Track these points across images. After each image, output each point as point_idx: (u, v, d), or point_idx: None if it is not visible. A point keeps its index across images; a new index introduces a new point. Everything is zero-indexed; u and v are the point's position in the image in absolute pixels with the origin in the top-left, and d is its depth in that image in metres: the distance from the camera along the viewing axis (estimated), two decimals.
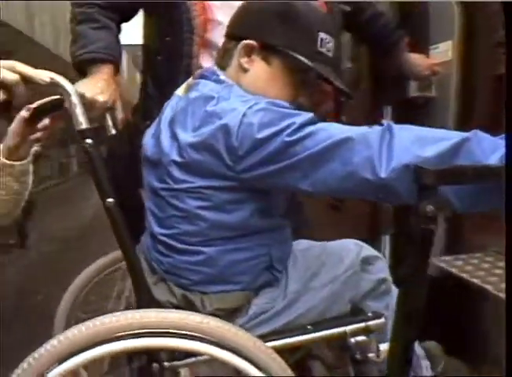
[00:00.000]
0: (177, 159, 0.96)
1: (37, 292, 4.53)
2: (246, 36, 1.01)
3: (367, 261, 1.15)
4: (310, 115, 0.91)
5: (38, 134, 1.01)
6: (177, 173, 0.96)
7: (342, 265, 1.12)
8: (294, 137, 0.87)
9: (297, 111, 0.92)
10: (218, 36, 1.27)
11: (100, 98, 1.25)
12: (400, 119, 1.70)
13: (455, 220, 1.62)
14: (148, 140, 1.11)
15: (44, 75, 0.88)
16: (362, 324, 1.05)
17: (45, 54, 6.07)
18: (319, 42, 1.00)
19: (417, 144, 0.83)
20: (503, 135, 0.83)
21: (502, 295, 1.16)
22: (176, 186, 0.97)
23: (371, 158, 0.83)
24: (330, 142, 0.85)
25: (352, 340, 1.04)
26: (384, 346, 1.05)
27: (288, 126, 0.87)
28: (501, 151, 0.80)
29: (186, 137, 0.94)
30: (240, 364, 0.90)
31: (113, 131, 1.27)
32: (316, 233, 1.53)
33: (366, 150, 0.84)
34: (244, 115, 0.88)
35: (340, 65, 1.08)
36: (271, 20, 1.00)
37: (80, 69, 1.30)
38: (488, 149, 0.81)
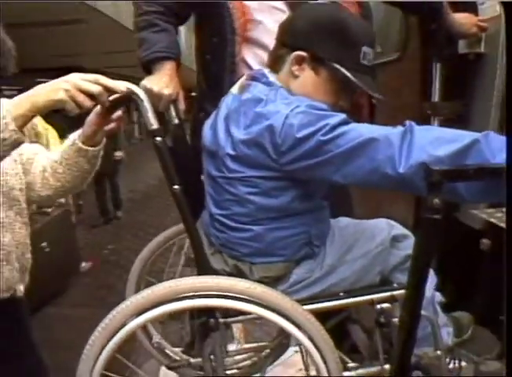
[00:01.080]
0: (231, 152, 1.13)
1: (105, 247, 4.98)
2: (298, 47, 1.14)
3: (396, 239, 1.29)
4: (343, 116, 1.06)
5: (112, 125, 1.23)
6: (230, 164, 1.14)
7: (374, 242, 1.27)
8: (328, 137, 1.02)
9: (331, 113, 1.07)
10: (259, 34, 1.45)
11: (166, 91, 1.42)
12: (450, 76, 1.80)
13: None
14: (206, 131, 1.29)
15: (121, 86, 1.08)
16: (388, 294, 1.21)
17: (107, 22, 6.36)
18: (362, 56, 1.13)
19: (433, 144, 0.96)
20: None
21: None
22: (230, 175, 1.15)
23: (392, 156, 0.98)
24: (358, 141, 1.01)
25: (379, 306, 1.21)
26: None
27: (323, 127, 1.03)
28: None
29: (239, 134, 1.12)
30: (281, 322, 1.11)
31: (176, 121, 1.46)
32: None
33: (388, 149, 0.98)
34: (287, 117, 1.04)
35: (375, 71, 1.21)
36: (322, 35, 1.13)
37: (147, 69, 1.48)
38: (496, 149, 0.93)
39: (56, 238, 3.60)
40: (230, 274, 1.21)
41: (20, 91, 1.06)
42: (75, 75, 1.04)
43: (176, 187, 1.15)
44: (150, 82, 1.43)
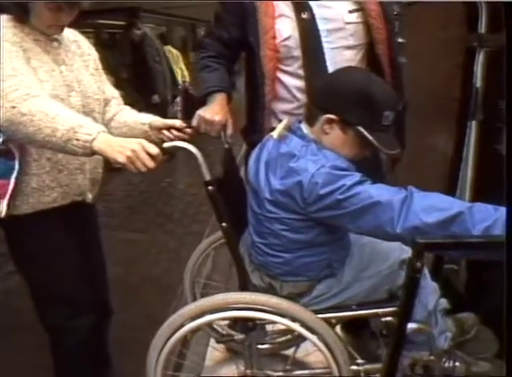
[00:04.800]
0: (269, 197, 1.40)
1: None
2: (329, 110, 1.36)
3: (405, 262, 1.52)
4: (358, 177, 1.30)
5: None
6: (268, 206, 1.41)
7: (386, 263, 1.52)
8: (345, 196, 1.28)
9: (350, 173, 1.31)
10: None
11: (216, 118, 1.69)
12: (499, 6, 1.74)
13: None
14: (251, 165, 1.52)
15: (174, 147, 1.39)
16: (392, 309, 1.48)
17: None
18: (383, 119, 1.34)
19: (426, 211, 1.19)
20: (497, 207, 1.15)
21: None
22: (267, 214, 1.43)
23: (392, 218, 1.23)
24: (367, 203, 1.26)
25: (383, 319, 1.50)
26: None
27: (341, 186, 1.27)
28: (488, 221, 1.13)
29: (275, 183, 1.38)
30: (302, 331, 1.44)
31: (226, 145, 1.74)
32: None
33: (390, 212, 1.23)
34: (313, 176, 1.29)
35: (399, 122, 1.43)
36: (349, 102, 1.33)
37: (205, 103, 1.76)
38: (477, 220, 1.15)
39: None
40: (265, 289, 1.53)
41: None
42: (143, 141, 1.31)
43: (224, 224, 1.46)
44: (203, 111, 1.71)
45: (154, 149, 1.30)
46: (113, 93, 1.76)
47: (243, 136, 1.92)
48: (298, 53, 1.68)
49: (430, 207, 1.20)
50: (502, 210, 1.14)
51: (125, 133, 1.67)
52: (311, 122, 1.42)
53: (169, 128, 1.65)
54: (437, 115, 2.10)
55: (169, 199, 4.67)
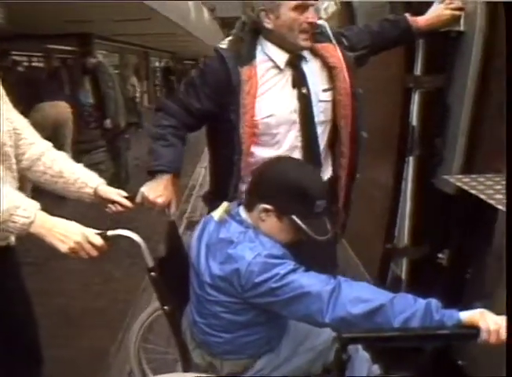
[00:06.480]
0: (209, 281, 1.42)
1: None
2: (265, 200, 1.41)
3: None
4: (292, 265, 1.33)
5: None
6: (208, 289, 1.43)
7: (320, 338, 1.57)
8: (278, 284, 1.30)
9: (284, 261, 1.34)
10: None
11: (159, 200, 1.68)
12: (432, 51, 1.96)
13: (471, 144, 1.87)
14: (193, 244, 1.53)
15: (118, 236, 1.37)
16: None
17: None
18: (316, 208, 1.39)
19: (352, 302, 1.25)
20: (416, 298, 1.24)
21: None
22: (208, 297, 1.44)
23: (321, 309, 1.27)
24: (298, 293, 1.29)
25: None
26: None
27: (275, 275, 1.30)
28: (407, 313, 1.20)
29: (215, 268, 1.40)
30: None
31: (170, 218, 1.74)
32: None
33: (319, 302, 1.27)
34: (249, 264, 1.32)
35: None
36: (284, 193, 1.39)
37: (151, 175, 1.72)
38: (397, 312, 1.21)
39: None
40: (206, 367, 1.55)
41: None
42: (88, 230, 1.30)
43: (166, 308, 1.50)
44: (147, 189, 1.70)
45: (98, 240, 1.31)
46: (23, 124, 1.57)
47: (206, 201, 1.93)
48: (276, 130, 1.72)
49: (356, 299, 1.26)
50: (421, 301, 1.23)
51: (55, 188, 1.59)
52: (249, 208, 1.46)
53: (113, 202, 1.63)
54: (378, 151, 2.20)
55: (115, 228, 4.55)
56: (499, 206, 1.46)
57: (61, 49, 9.55)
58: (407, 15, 1.88)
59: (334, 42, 1.76)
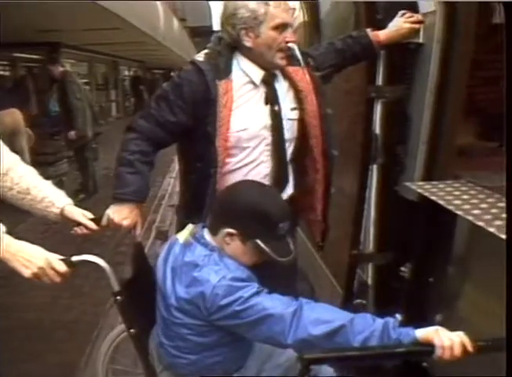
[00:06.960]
0: (175, 304, 1.43)
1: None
2: (229, 224, 1.43)
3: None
4: (255, 288, 1.35)
5: None
6: (174, 312, 1.44)
7: (284, 356, 1.59)
8: (242, 307, 1.33)
9: (248, 284, 1.36)
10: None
11: (124, 222, 1.69)
12: (393, 62, 2.02)
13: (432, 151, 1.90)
14: (159, 265, 1.52)
15: (83, 261, 1.37)
16: None
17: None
18: (279, 230, 1.43)
19: (313, 324, 1.28)
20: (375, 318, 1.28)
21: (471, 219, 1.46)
22: (174, 320, 1.46)
23: (283, 330, 1.30)
24: (261, 315, 1.31)
25: None
26: None
27: (239, 298, 1.32)
28: (366, 333, 1.23)
29: (181, 291, 1.41)
30: None
31: (136, 240, 1.75)
32: None
33: (281, 324, 1.30)
34: (214, 287, 1.34)
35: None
36: (247, 218, 1.42)
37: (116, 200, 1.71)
38: (356, 332, 1.24)
39: None
40: None
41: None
42: (53, 256, 1.30)
43: (132, 331, 1.50)
44: (113, 212, 1.70)
45: (61, 267, 1.30)
46: None
47: (180, 215, 1.93)
48: (247, 144, 1.73)
49: (317, 320, 1.29)
50: (379, 321, 1.27)
51: (22, 204, 1.57)
52: (213, 231, 1.48)
53: (79, 224, 1.62)
54: (343, 160, 2.25)
55: (83, 240, 4.53)
56: (459, 212, 1.52)
57: (27, 58, 9.42)
58: (368, 30, 1.95)
59: (302, 64, 1.81)
